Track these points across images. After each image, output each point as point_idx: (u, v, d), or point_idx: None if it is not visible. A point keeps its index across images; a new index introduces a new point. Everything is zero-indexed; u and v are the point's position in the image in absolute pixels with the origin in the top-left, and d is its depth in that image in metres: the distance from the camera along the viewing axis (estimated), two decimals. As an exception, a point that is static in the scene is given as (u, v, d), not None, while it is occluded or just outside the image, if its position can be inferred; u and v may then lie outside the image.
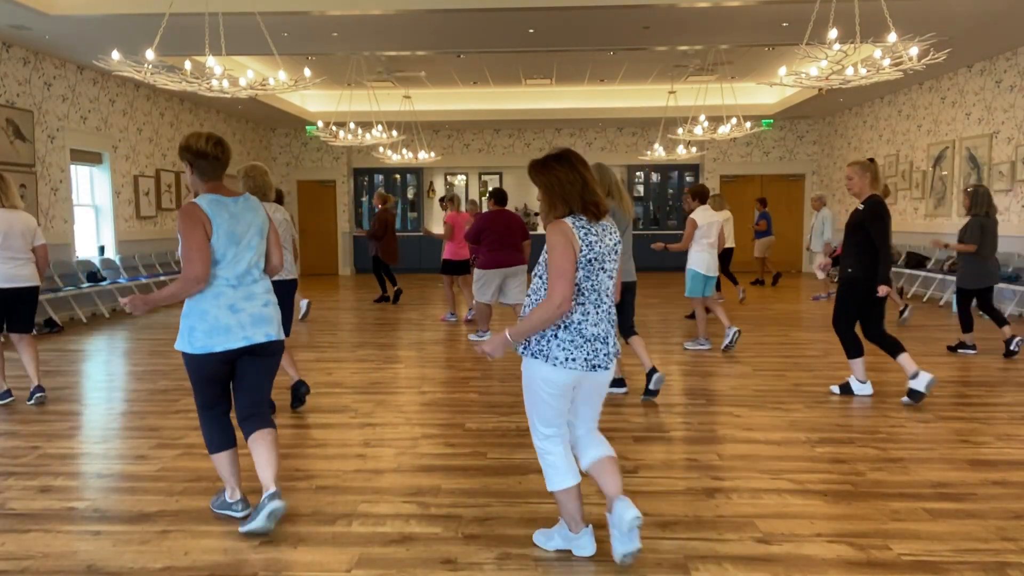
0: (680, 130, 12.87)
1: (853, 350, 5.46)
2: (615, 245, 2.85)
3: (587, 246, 2.73)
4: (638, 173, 17.45)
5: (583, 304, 2.79)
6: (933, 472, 3.90)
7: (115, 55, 6.62)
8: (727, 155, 16.77)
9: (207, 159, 3.31)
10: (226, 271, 3.22)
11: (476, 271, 7.87)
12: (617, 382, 5.57)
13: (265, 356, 3.30)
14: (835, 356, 6.96)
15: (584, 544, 2.98)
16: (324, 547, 3.07)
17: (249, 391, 3.31)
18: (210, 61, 6.90)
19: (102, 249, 10.97)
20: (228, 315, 3.18)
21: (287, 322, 5.18)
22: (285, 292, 5.08)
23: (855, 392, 5.50)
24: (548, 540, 3.08)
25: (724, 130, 11.90)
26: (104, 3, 7.91)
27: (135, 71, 6.64)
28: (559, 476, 2.90)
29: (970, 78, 10.83)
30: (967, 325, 7.12)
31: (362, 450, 4.33)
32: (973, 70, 10.75)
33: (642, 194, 17.54)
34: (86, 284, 9.87)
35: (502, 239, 7.64)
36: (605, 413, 5.03)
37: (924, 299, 11.12)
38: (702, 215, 7.42)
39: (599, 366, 2.82)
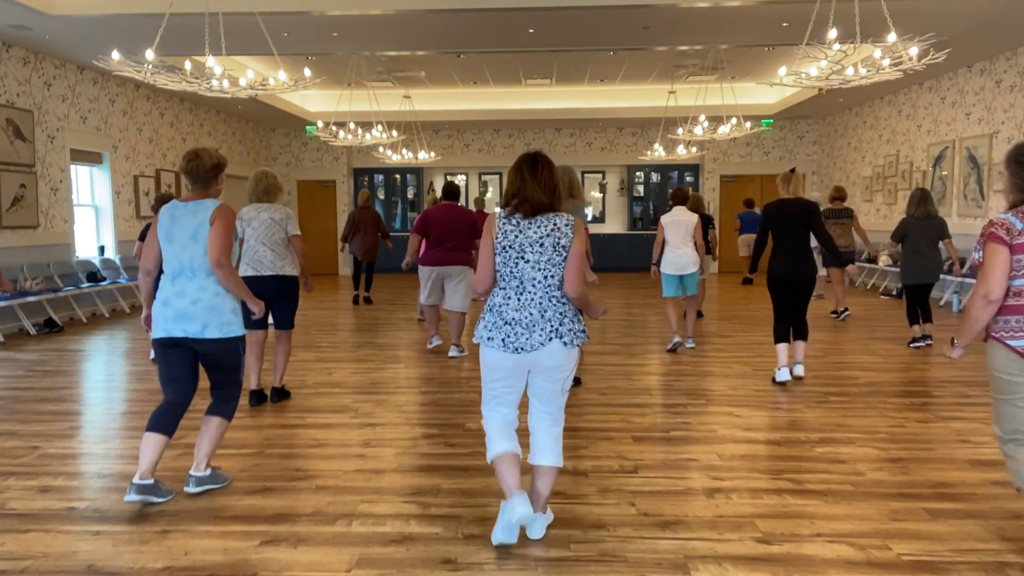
0: (680, 130, 12.87)
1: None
2: (540, 239, 2.99)
3: (503, 235, 3.03)
4: (638, 173, 17.45)
5: (504, 289, 3.07)
6: (933, 472, 3.90)
7: (115, 55, 6.62)
8: (727, 155, 16.78)
9: (185, 172, 3.69)
10: (166, 267, 3.64)
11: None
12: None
13: (201, 351, 3.61)
14: (835, 356, 6.96)
15: (514, 504, 2.96)
16: (324, 547, 3.07)
17: (209, 378, 3.76)
18: (210, 61, 6.90)
19: (102, 249, 10.98)
20: (160, 307, 3.59)
21: (278, 318, 5.38)
22: (279, 287, 5.28)
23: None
24: (494, 535, 3.06)
25: (724, 130, 11.90)
26: (104, 3, 7.91)
27: (135, 71, 6.64)
28: (490, 447, 3.15)
29: (970, 78, 10.83)
30: (912, 319, 7.48)
31: (362, 450, 4.33)
32: (973, 70, 10.75)
33: (642, 194, 17.53)
34: (86, 284, 9.87)
35: (441, 236, 7.16)
36: (605, 413, 5.07)
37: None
38: (666, 216, 7.40)
39: (521, 348, 3.00)
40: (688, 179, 17.44)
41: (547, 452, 3.12)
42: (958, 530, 3.19)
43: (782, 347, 5.91)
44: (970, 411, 5.08)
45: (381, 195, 17.59)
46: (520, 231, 3.01)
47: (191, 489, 3.62)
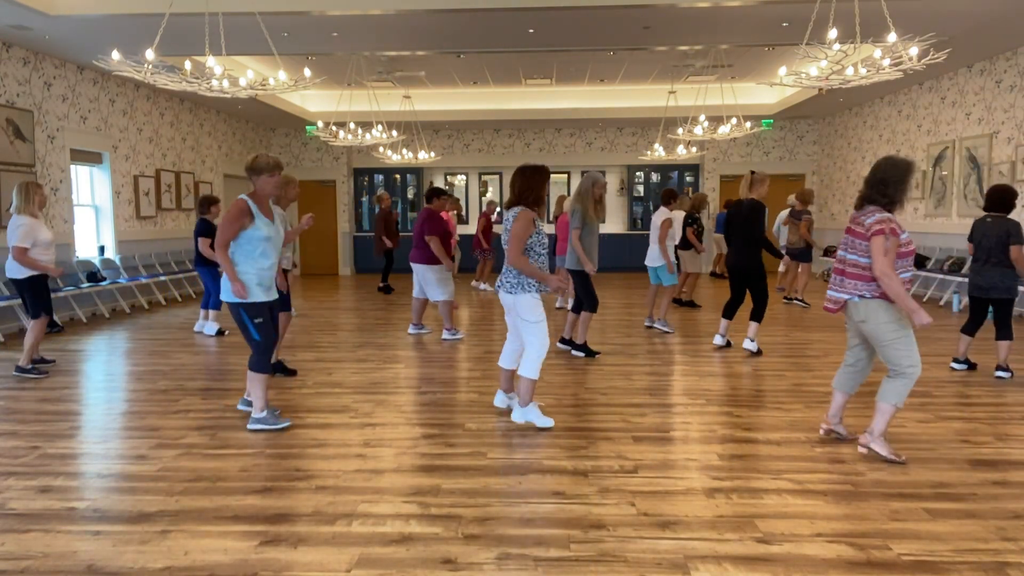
0: (680, 130, 12.86)
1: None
2: (505, 227, 4.77)
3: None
4: (638, 173, 17.44)
5: None
6: (933, 472, 3.90)
7: (115, 55, 6.61)
8: (727, 155, 16.78)
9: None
10: (257, 248, 4.71)
11: None
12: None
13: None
14: (835, 356, 6.96)
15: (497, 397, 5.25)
16: (324, 547, 3.07)
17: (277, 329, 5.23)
18: (210, 61, 6.90)
19: (102, 249, 10.97)
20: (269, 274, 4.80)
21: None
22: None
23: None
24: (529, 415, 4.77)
25: (724, 130, 11.90)
26: (104, 3, 7.91)
27: (135, 71, 6.64)
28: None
29: (970, 78, 10.83)
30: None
31: (362, 450, 4.33)
32: (973, 70, 10.75)
33: (642, 194, 17.53)
34: (86, 284, 9.87)
35: (415, 236, 8.11)
36: (605, 413, 5.08)
37: (924, 299, 11.11)
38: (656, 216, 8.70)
39: (498, 293, 4.85)
40: (688, 179, 17.43)
41: (506, 357, 5.10)
42: (958, 530, 3.19)
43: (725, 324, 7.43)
44: (970, 411, 5.08)
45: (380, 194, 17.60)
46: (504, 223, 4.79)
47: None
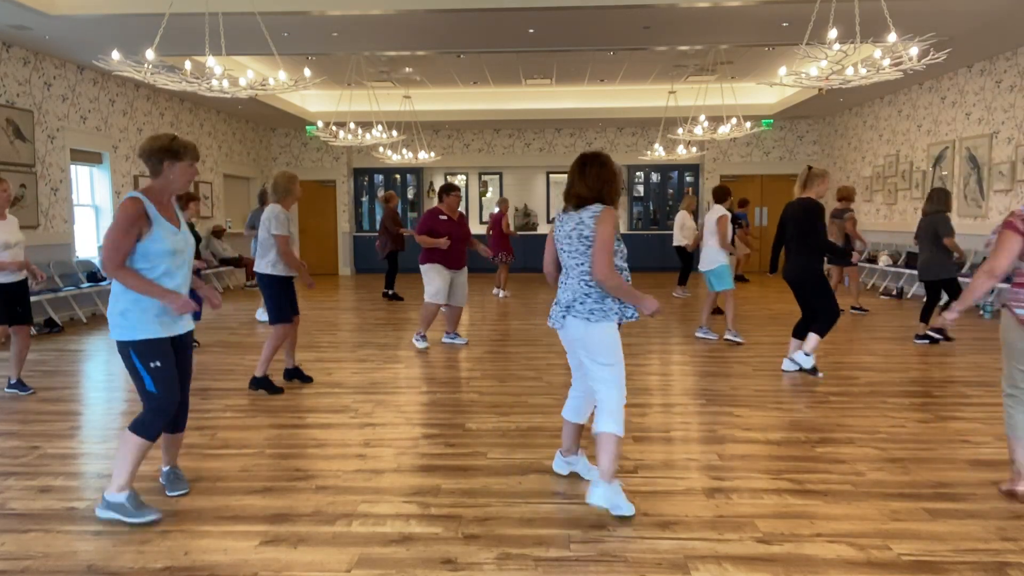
0: (680, 130, 12.86)
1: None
2: (570, 231, 3.45)
3: (556, 231, 3.57)
4: (638, 173, 17.44)
5: (564, 274, 3.59)
6: (933, 472, 3.90)
7: (115, 55, 6.61)
8: (727, 155, 16.77)
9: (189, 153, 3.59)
10: (162, 263, 3.50)
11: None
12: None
13: (182, 346, 3.56)
14: (835, 356, 6.96)
15: (556, 462, 3.93)
16: (324, 547, 3.07)
17: (184, 376, 3.61)
18: (210, 61, 6.90)
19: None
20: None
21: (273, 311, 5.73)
22: (260, 282, 5.76)
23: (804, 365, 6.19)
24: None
25: (724, 130, 11.90)
26: (104, 3, 7.91)
27: (135, 71, 6.64)
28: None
29: (970, 78, 10.83)
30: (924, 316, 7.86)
31: (362, 450, 4.33)
32: (973, 70, 10.75)
33: (642, 194, 17.53)
34: (86, 284, 9.87)
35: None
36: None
37: (925, 299, 11.08)
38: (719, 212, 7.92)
39: (554, 324, 3.58)
40: (688, 179, 17.44)
41: (573, 412, 3.81)
42: (958, 530, 3.19)
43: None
44: (970, 411, 5.08)
45: (380, 195, 17.57)
46: (560, 226, 3.52)
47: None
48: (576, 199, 3.45)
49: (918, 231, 7.77)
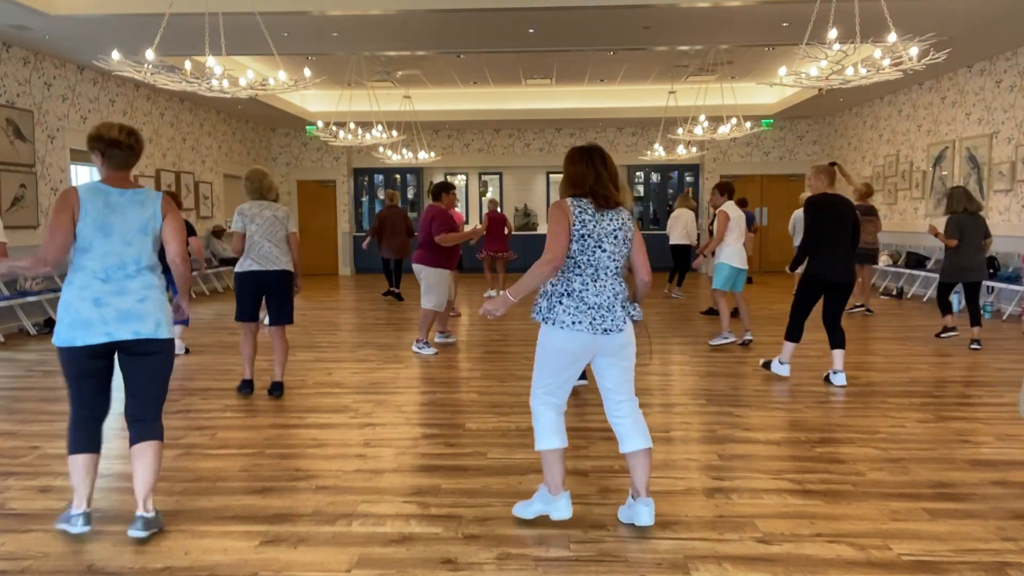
0: (680, 130, 12.86)
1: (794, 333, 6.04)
2: (615, 230, 3.16)
3: (581, 223, 3.11)
4: (638, 173, 17.45)
5: (581, 275, 3.15)
6: (933, 472, 3.90)
7: (115, 55, 6.61)
8: (727, 155, 16.77)
9: (120, 148, 3.17)
10: (93, 262, 3.10)
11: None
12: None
13: (144, 355, 3.15)
14: (835, 356, 6.95)
15: (561, 507, 3.24)
16: (324, 547, 3.07)
17: (133, 393, 3.23)
18: (210, 61, 6.89)
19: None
20: (91, 308, 3.06)
21: (278, 313, 5.55)
22: (283, 281, 5.54)
23: (774, 371, 6.11)
24: (528, 508, 3.30)
25: (724, 130, 11.89)
26: (104, 3, 7.91)
27: (135, 71, 6.64)
28: (546, 437, 3.24)
29: (970, 78, 10.83)
30: (944, 310, 7.80)
31: (362, 450, 4.33)
32: (973, 70, 10.75)
33: (642, 194, 17.53)
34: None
35: (420, 236, 7.43)
36: (603, 413, 5.04)
37: (924, 299, 11.10)
38: (733, 209, 7.60)
39: (609, 330, 3.15)
40: (688, 179, 17.44)
41: (639, 436, 3.30)
42: (958, 530, 3.19)
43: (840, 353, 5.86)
44: (970, 411, 5.08)
45: (380, 195, 17.57)
46: (596, 222, 3.13)
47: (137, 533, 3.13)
48: (611, 199, 3.17)
49: (963, 231, 7.33)
